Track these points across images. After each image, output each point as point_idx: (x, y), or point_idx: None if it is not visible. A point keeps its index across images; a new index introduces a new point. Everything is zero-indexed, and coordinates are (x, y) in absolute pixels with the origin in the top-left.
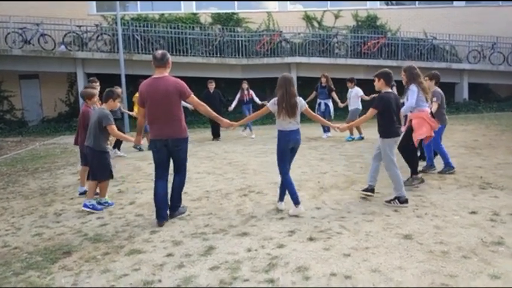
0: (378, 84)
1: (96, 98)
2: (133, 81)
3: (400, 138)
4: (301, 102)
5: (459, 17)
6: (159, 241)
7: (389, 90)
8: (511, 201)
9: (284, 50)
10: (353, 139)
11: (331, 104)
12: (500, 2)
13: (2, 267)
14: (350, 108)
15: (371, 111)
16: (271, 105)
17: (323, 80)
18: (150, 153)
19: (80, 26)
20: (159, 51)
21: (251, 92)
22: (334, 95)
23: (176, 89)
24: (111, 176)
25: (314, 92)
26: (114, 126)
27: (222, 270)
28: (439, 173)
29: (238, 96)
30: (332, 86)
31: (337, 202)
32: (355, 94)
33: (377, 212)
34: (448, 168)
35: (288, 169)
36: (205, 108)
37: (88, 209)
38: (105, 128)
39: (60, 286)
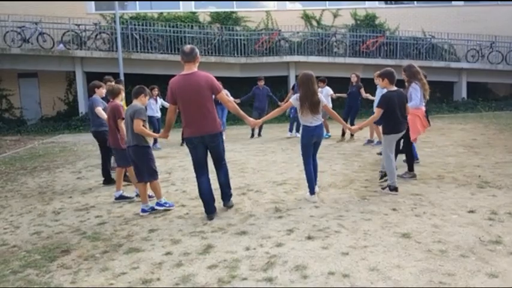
0: (382, 84)
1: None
2: (132, 80)
3: (402, 134)
4: (322, 99)
5: (458, 16)
6: (157, 240)
7: (394, 88)
8: (509, 200)
9: (283, 48)
10: (329, 136)
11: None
12: (499, 1)
13: (1, 266)
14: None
15: (377, 111)
16: (294, 100)
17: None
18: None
19: (78, 25)
20: (188, 46)
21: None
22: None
23: (208, 84)
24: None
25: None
26: (140, 121)
27: (220, 269)
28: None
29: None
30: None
31: (335, 201)
32: (326, 93)
33: (375, 211)
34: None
35: (310, 162)
36: (233, 105)
37: (146, 213)
38: (132, 120)
39: (59, 284)
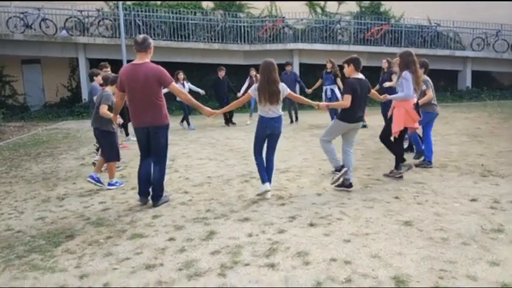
0: (348, 70)
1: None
2: None
3: (355, 126)
4: (283, 88)
5: (463, 4)
6: (160, 225)
7: (359, 76)
8: (511, 189)
9: (287, 36)
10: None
11: (337, 90)
12: None
13: (6, 250)
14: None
15: (346, 98)
16: (252, 91)
17: (328, 65)
18: None
19: (81, 11)
20: (141, 36)
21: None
22: (338, 81)
23: (156, 76)
24: (118, 158)
25: (320, 80)
26: (104, 106)
27: (223, 255)
28: (416, 165)
29: (247, 83)
30: (338, 72)
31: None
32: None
33: (377, 199)
34: (427, 162)
35: (259, 152)
36: (186, 96)
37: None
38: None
39: (63, 269)
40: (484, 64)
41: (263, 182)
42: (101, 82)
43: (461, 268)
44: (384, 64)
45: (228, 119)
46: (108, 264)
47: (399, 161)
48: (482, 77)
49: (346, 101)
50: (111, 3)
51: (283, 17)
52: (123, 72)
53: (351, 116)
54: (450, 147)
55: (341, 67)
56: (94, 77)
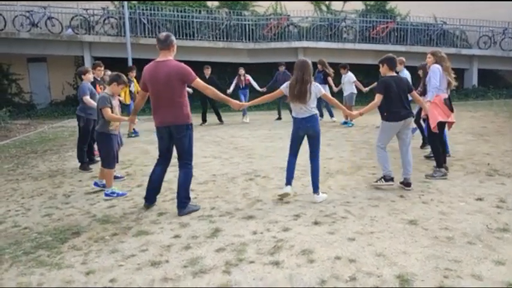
0: (382, 70)
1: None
2: (141, 65)
3: (405, 123)
4: (317, 89)
5: (470, 2)
6: (166, 223)
7: (393, 74)
8: None
9: (291, 34)
10: (352, 124)
11: (327, 89)
12: None
13: (13, 247)
14: (345, 93)
15: (377, 97)
16: (285, 88)
17: (319, 66)
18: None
19: (86, 9)
20: (163, 33)
21: (248, 77)
22: (329, 80)
23: (179, 74)
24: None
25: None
26: (108, 109)
27: (228, 252)
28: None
29: (235, 81)
30: (328, 71)
31: (342, 187)
32: (349, 80)
33: (382, 198)
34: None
35: (293, 154)
36: (212, 91)
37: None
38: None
39: (70, 265)
40: (491, 62)
41: (286, 183)
42: (91, 80)
43: (467, 267)
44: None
45: (218, 118)
46: (114, 261)
47: (439, 165)
48: (489, 75)
49: (376, 99)
50: (116, 1)
51: (288, 15)
52: (146, 70)
53: (394, 114)
54: (456, 146)
55: (333, 66)
56: (82, 76)
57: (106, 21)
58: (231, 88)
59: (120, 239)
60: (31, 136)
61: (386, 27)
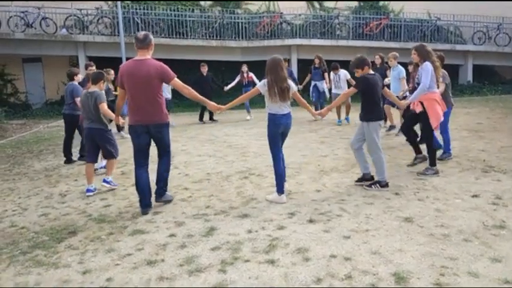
0: (361, 73)
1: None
2: None
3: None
4: (292, 85)
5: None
6: (161, 222)
7: (371, 72)
8: None
9: (284, 31)
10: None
11: (325, 86)
12: None
13: (10, 246)
14: (337, 91)
15: (351, 89)
16: (261, 86)
17: (316, 61)
18: None
19: (80, 9)
20: (142, 32)
21: (251, 74)
22: (325, 76)
23: (158, 73)
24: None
25: (309, 75)
26: (104, 104)
27: (223, 251)
28: (438, 159)
29: (237, 79)
30: (325, 67)
31: (337, 185)
32: (344, 77)
33: (377, 195)
34: (447, 154)
35: (280, 155)
36: (190, 91)
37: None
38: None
39: (67, 264)
40: (486, 58)
41: (281, 191)
42: (80, 81)
43: (463, 265)
44: (377, 60)
45: (210, 117)
46: (110, 260)
47: (432, 163)
48: (484, 71)
49: (350, 90)
50: (110, 1)
51: (281, 13)
52: (124, 68)
53: (377, 113)
54: (451, 143)
55: (328, 62)
56: (74, 77)
57: (100, 21)
58: (229, 86)
59: (116, 238)
60: (27, 136)
61: (380, 23)
